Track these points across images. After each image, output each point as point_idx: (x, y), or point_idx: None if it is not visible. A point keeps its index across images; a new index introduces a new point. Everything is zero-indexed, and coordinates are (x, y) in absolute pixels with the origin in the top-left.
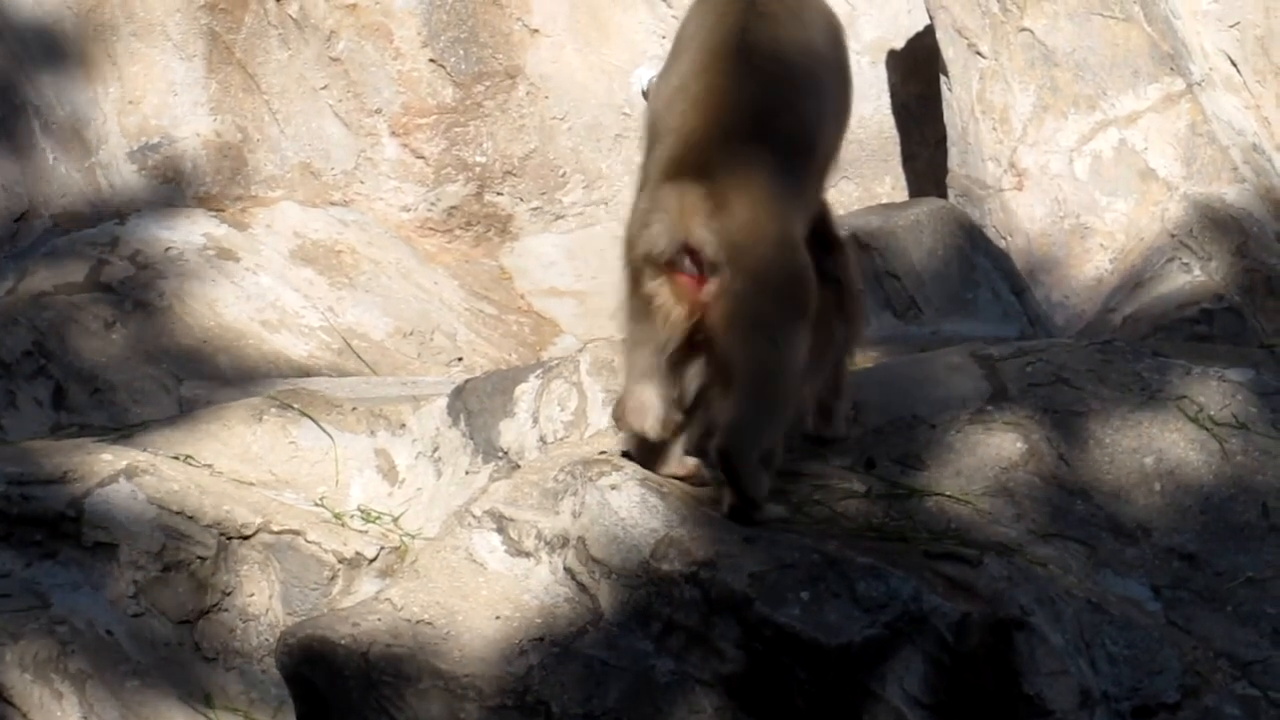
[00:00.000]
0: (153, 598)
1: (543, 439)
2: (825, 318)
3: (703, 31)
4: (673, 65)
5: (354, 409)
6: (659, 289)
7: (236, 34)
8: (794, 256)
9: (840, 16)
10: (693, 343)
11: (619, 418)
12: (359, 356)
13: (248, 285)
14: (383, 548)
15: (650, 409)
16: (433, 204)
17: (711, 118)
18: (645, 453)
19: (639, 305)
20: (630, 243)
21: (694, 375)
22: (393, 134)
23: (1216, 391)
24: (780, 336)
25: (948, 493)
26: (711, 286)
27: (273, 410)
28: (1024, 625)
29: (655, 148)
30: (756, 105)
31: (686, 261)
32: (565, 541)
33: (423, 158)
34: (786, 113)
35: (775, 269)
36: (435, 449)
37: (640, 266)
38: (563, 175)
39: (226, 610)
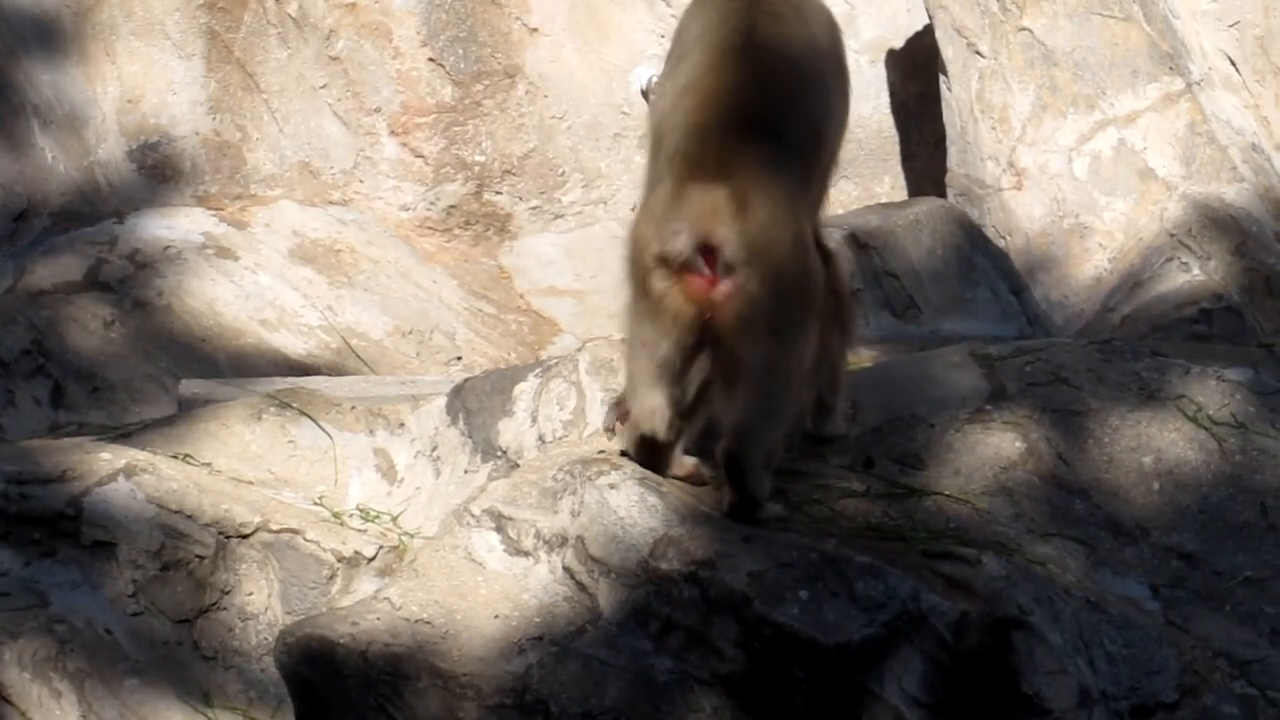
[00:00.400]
0: (151, 596)
1: (541, 438)
2: (824, 324)
3: (709, 31)
4: (678, 65)
5: (353, 408)
6: (670, 290)
7: (236, 33)
8: (808, 257)
9: (839, 16)
10: (698, 342)
11: (621, 419)
12: (358, 355)
13: (246, 284)
14: (381, 547)
15: (658, 411)
16: (432, 203)
17: (723, 115)
18: (649, 455)
19: (645, 306)
20: (642, 241)
21: (696, 374)
22: (392, 133)
23: (1215, 391)
24: (790, 337)
25: (946, 492)
26: (725, 287)
27: (271, 409)
28: (1023, 624)
29: (664, 145)
30: (767, 104)
31: (701, 262)
32: (564, 540)
33: (422, 157)
34: (796, 111)
35: (791, 270)
36: (434, 448)
37: (652, 266)
38: (562, 174)
39: (225, 609)
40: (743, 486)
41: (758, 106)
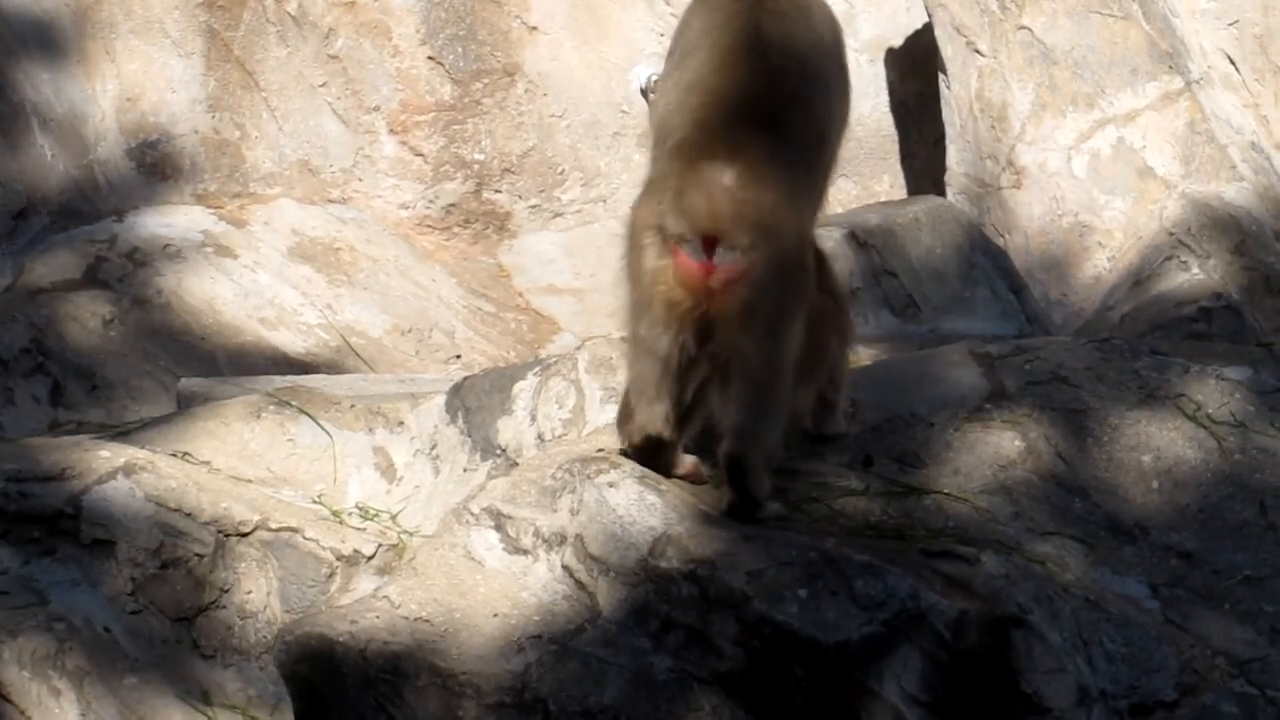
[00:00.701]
0: (151, 595)
1: (541, 437)
2: (822, 324)
3: (714, 29)
4: (682, 62)
5: (352, 406)
6: (664, 270)
7: (235, 31)
8: (806, 254)
9: (839, 14)
10: (696, 339)
11: (624, 420)
12: (357, 354)
13: (246, 282)
14: (381, 545)
15: (662, 414)
16: (431, 201)
17: (730, 112)
18: (652, 457)
19: (642, 298)
20: (640, 220)
21: (696, 375)
22: (391, 131)
23: (1215, 390)
24: (781, 332)
25: (946, 491)
26: (721, 274)
27: (271, 407)
28: (1022, 623)
29: (670, 138)
30: (773, 102)
31: (699, 246)
32: (563, 539)
33: (421, 155)
34: (801, 110)
35: (790, 263)
36: (433, 446)
37: (645, 244)
38: (561, 173)
39: (224, 608)
40: (744, 487)
41: (764, 105)
